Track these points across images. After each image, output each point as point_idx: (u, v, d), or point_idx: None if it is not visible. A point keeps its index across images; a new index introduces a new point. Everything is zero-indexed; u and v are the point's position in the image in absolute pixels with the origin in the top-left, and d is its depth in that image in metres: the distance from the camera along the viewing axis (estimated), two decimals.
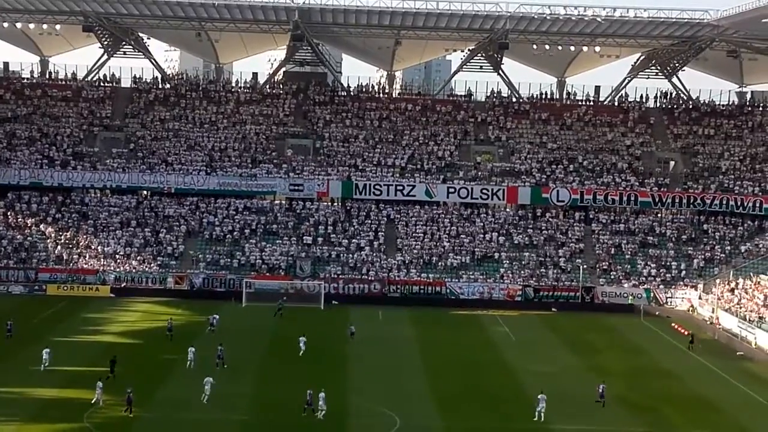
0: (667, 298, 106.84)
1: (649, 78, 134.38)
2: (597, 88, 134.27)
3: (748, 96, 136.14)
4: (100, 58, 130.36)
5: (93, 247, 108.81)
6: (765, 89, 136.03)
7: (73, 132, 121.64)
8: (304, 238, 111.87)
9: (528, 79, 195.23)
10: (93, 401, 60.06)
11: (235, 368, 71.05)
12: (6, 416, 57.89)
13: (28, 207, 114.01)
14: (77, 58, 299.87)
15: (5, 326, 79.47)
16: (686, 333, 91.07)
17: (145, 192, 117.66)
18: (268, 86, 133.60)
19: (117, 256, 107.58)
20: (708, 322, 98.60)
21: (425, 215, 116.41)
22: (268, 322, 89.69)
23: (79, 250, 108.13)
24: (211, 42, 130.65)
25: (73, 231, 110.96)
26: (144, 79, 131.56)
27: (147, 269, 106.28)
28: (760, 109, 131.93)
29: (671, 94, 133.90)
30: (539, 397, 62.42)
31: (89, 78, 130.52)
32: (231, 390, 64.55)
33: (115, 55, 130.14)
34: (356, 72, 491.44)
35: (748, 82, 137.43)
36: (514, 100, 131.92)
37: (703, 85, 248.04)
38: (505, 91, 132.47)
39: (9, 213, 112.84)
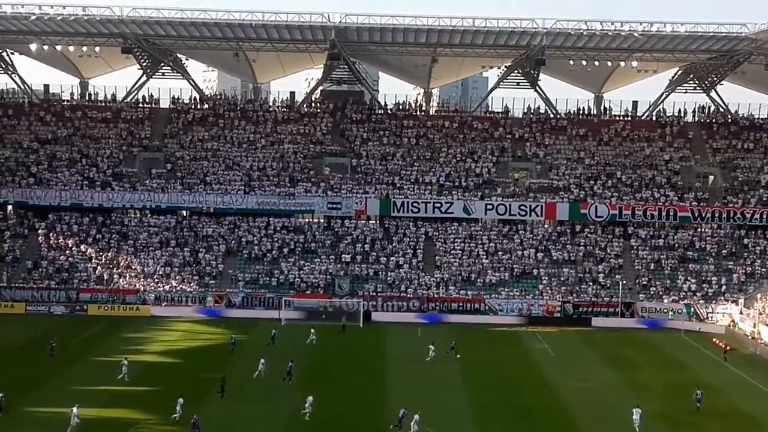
0: (707, 313, 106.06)
1: (687, 92, 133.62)
2: (635, 103, 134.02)
3: None
4: (139, 80, 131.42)
5: (133, 267, 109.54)
6: None
7: (113, 153, 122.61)
8: (343, 256, 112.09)
9: (565, 95, 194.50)
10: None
11: (287, 386, 71.41)
12: None
13: (69, 228, 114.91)
14: (116, 80, 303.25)
15: (48, 346, 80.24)
16: (722, 344, 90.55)
17: (184, 212, 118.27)
18: (305, 105, 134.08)
19: (156, 276, 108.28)
20: (749, 337, 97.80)
21: (463, 232, 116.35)
22: (307, 341, 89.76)
23: (119, 270, 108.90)
24: (249, 62, 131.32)
25: (113, 251, 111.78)
26: (182, 100, 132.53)
27: (186, 288, 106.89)
28: None
29: (710, 108, 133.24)
30: (634, 410, 63.73)
31: (128, 99, 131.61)
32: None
33: (153, 77, 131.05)
34: (393, 90, 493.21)
35: None
36: (551, 116, 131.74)
37: (742, 99, 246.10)
38: (542, 108, 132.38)
39: (50, 234, 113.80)
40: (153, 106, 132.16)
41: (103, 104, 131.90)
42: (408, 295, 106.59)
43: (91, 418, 62.44)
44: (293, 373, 73.42)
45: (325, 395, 68.82)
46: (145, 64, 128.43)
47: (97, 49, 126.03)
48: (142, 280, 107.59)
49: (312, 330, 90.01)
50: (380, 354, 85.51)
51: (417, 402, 65.55)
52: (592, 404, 69.75)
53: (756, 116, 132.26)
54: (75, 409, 60.14)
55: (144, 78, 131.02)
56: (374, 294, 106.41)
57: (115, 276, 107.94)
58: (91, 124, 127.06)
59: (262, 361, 75.77)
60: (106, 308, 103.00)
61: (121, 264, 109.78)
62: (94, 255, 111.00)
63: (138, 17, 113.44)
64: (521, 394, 72.47)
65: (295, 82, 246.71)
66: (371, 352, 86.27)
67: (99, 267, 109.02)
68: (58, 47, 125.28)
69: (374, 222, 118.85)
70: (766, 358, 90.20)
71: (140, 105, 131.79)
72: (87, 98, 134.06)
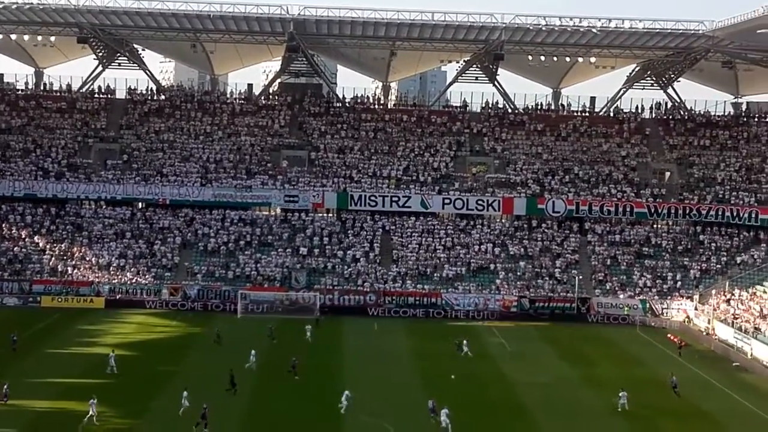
0: (663, 309, 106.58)
1: (644, 89, 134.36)
2: (592, 99, 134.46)
3: (744, 107, 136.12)
4: (94, 70, 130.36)
5: (87, 258, 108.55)
6: (760, 100, 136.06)
7: (68, 143, 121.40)
8: (300, 249, 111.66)
9: (523, 90, 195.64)
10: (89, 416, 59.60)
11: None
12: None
13: (23, 219, 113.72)
14: (72, 70, 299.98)
15: (9, 339, 79.27)
16: (677, 340, 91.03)
17: (139, 203, 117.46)
18: (263, 97, 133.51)
19: (111, 268, 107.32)
20: (704, 333, 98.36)
21: (421, 226, 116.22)
22: (264, 336, 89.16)
23: (73, 262, 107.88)
24: (206, 53, 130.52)
25: (67, 243, 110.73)
26: (139, 91, 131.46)
27: (141, 281, 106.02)
28: (756, 119, 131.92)
29: (667, 104, 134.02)
30: (621, 394, 67.20)
31: (84, 89, 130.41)
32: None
33: (109, 67, 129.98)
34: (351, 83, 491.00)
35: (744, 93, 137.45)
36: (509, 111, 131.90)
37: (699, 95, 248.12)
38: (500, 102, 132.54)
39: (3, 225, 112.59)
40: (109, 96, 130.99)
41: (58, 94, 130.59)
42: (365, 289, 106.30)
43: (44, 411, 61.89)
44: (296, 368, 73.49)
45: (283, 393, 68.54)
46: (101, 54, 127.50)
47: (53, 38, 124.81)
48: (96, 271, 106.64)
49: (308, 326, 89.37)
50: (337, 348, 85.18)
51: (373, 397, 65.40)
52: (547, 399, 69.86)
53: (712, 113, 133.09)
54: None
55: (100, 68, 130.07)
56: (331, 287, 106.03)
57: (69, 267, 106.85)
58: (46, 114, 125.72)
59: (253, 352, 75.86)
60: (59, 300, 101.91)
61: (76, 255, 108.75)
62: (47, 246, 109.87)
63: (94, 7, 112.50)
64: (478, 388, 72.37)
65: (253, 74, 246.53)
66: (328, 346, 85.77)
67: (53, 258, 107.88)
68: (13, 36, 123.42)
69: (331, 215, 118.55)
70: (720, 354, 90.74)
71: (96, 95, 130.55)
72: (42, 88, 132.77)
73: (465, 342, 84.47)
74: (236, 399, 65.30)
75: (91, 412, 59.39)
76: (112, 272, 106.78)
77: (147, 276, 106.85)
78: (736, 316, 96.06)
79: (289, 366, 73.57)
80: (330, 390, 68.61)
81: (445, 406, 60.80)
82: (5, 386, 63.59)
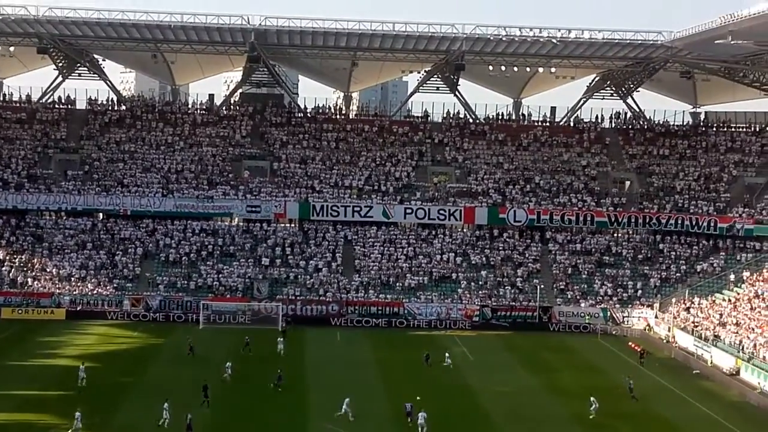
0: (623, 317, 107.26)
1: (604, 99, 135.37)
2: (553, 109, 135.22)
3: (702, 116, 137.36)
4: (54, 80, 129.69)
5: (48, 269, 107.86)
6: (718, 110, 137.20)
7: (28, 154, 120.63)
8: (262, 259, 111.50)
9: (484, 100, 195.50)
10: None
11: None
12: None
13: None
14: (32, 80, 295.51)
15: None
16: (639, 349, 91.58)
17: (100, 214, 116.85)
18: (224, 108, 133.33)
19: (72, 279, 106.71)
20: (664, 341, 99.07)
21: (383, 236, 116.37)
22: (223, 346, 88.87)
23: (33, 273, 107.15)
24: (167, 63, 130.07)
25: (27, 254, 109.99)
26: (99, 101, 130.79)
27: (103, 292, 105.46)
28: (714, 129, 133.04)
29: (626, 114, 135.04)
30: (591, 399, 68.09)
31: (44, 100, 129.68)
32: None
33: (70, 77, 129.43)
34: (313, 93, 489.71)
35: (702, 103, 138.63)
36: (470, 120, 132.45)
37: (658, 105, 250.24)
38: (461, 112, 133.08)
39: None
40: (69, 107, 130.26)
41: (18, 105, 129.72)
42: (327, 299, 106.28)
43: (3, 423, 61.41)
44: (282, 380, 73.40)
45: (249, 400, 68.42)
46: (61, 64, 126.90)
47: (12, 48, 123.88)
48: (57, 283, 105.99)
49: (280, 339, 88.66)
50: (299, 358, 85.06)
51: (337, 408, 65.41)
52: (510, 408, 70.12)
53: (671, 123, 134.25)
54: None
55: (60, 78, 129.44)
56: (293, 298, 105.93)
57: (29, 279, 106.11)
58: (6, 125, 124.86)
59: (229, 364, 75.69)
60: (19, 312, 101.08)
61: (36, 267, 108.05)
62: (7, 258, 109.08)
63: (54, 17, 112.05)
64: (440, 397, 72.48)
65: (214, 84, 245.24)
66: (290, 356, 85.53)
67: (13, 270, 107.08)
68: None
69: (293, 225, 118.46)
70: (680, 361, 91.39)
71: (56, 106, 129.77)
72: (1, 98, 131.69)
73: (446, 354, 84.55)
74: (202, 409, 64.93)
75: (76, 425, 58.62)
76: (73, 283, 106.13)
77: (108, 287, 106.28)
78: (696, 324, 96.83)
79: (274, 379, 73.30)
80: (292, 400, 68.61)
81: (422, 410, 61.70)
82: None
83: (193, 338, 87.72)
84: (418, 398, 66.37)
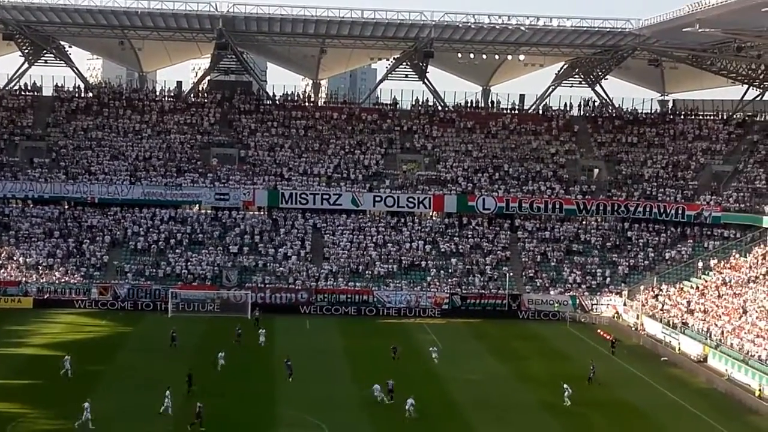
0: (592, 305, 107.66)
1: (572, 86, 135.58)
2: (522, 97, 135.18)
3: (670, 104, 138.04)
4: (20, 67, 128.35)
5: (14, 258, 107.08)
6: (686, 97, 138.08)
7: None
8: (230, 247, 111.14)
9: (453, 87, 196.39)
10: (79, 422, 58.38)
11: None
12: None
13: None
14: None
15: None
16: (609, 337, 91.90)
17: (67, 202, 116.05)
18: (192, 95, 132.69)
19: (39, 267, 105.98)
20: (633, 329, 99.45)
21: (352, 224, 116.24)
22: (195, 334, 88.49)
23: (0, 262, 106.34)
24: (134, 50, 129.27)
25: None
26: (66, 88, 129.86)
27: (70, 280, 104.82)
28: (682, 117, 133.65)
29: (595, 102, 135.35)
30: (565, 386, 68.35)
31: (9, 87, 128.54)
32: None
33: (36, 64, 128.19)
34: (281, 80, 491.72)
35: (670, 91, 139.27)
36: (439, 108, 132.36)
37: (626, 93, 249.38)
38: (430, 100, 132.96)
39: None
40: (35, 94, 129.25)
41: None
42: (296, 287, 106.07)
43: None
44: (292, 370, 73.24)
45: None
46: (26, 51, 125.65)
47: None
48: (24, 271, 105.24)
49: (262, 330, 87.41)
50: (269, 348, 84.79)
51: (306, 395, 65.28)
52: (479, 396, 70.20)
53: (639, 111, 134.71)
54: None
55: (26, 65, 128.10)
56: (262, 285, 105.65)
57: None
58: None
59: (221, 354, 75.26)
60: None
61: (2, 255, 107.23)
62: None
63: (19, 3, 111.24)
64: (410, 385, 72.27)
65: (182, 71, 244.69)
66: (257, 345, 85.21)
67: None
68: None
69: (262, 213, 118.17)
70: (649, 348, 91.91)
71: (22, 93, 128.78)
72: None
73: (434, 348, 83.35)
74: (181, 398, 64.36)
75: (86, 415, 57.85)
76: (40, 272, 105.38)
77: (76, 275, 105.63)
78: (664, 311, 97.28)
79: (286, 370, 73.12)
80: (258, 389, 68.59)
81: (411, 396, 62.80)
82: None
83: (159, 327, 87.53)
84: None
